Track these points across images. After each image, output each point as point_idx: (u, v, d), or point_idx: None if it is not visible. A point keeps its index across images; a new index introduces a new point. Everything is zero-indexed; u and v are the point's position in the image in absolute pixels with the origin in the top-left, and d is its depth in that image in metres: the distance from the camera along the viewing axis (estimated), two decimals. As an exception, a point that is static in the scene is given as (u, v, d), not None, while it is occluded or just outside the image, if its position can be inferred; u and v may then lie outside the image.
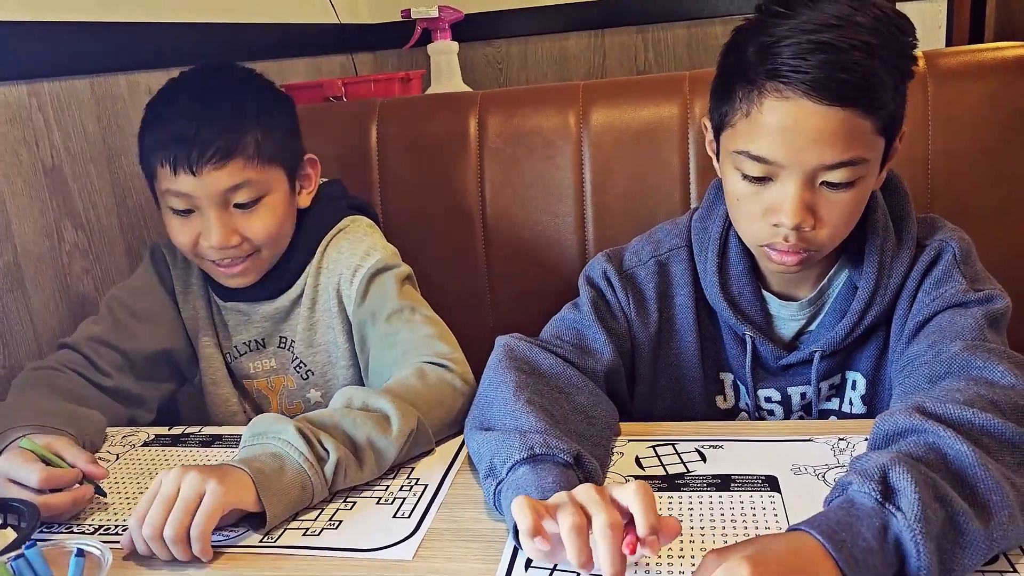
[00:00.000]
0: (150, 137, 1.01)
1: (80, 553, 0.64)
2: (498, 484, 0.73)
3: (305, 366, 1.14)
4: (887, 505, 0.61)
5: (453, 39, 2.00)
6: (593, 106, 1.36)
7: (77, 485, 0.83)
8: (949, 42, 2.20)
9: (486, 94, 1.42)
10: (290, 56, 1.94)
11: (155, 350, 1.12)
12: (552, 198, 1.36)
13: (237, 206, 1.02)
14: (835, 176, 0.80)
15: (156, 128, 1.00)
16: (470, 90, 1.97)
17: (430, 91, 1.91)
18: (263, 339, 1.14)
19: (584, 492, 0.63)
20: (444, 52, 1.92)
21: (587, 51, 2.36)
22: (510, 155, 1.37)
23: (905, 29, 0.81)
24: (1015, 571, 0.64)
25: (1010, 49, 1.26)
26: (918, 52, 1.25)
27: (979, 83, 1.25)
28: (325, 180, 1.18)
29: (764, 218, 0.84)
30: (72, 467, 0.83)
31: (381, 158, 1.41)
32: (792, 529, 0.62)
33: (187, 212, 1.02)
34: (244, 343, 1.15)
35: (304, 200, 1.11)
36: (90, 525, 0.83)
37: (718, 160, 0.91)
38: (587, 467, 0.75)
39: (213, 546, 0.75)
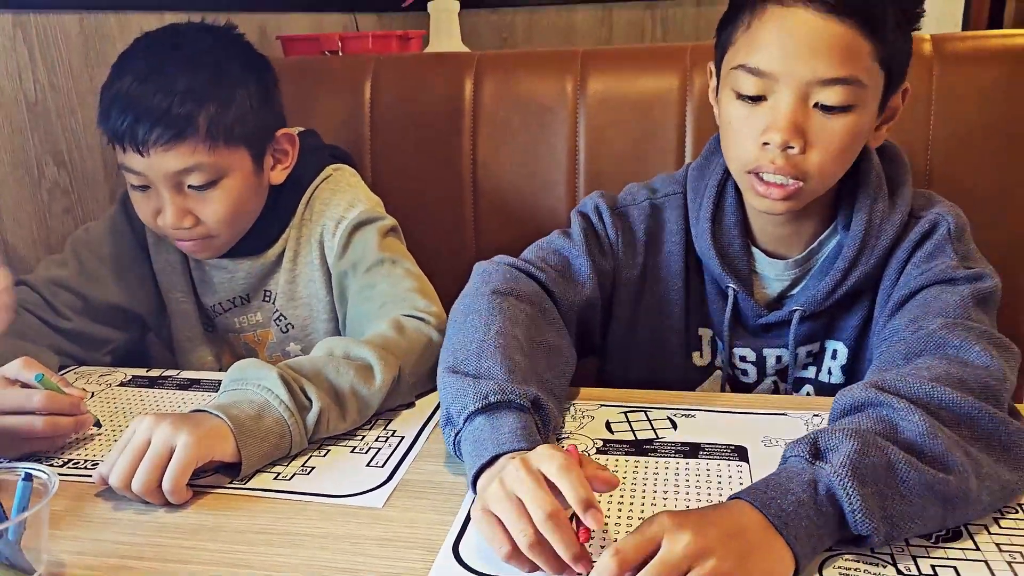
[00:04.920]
0: (103, 104, 0.95)
1: (27, 478, 0.63)
2: (456, 433, 0.73)
3: (285, 319, 1.12)
4: (816, 463, 0.61)
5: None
6: (592, 73, 1.34)
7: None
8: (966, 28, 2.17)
9: (483, 56, 1.40)
10: (291, 9, 1.91)
11: (120, 301, 1.08)
12: (545, 165, 1.34)
13: (191, 187, 0.97)
14: (829, 96, 0.78)
15: (105, 98, 0.95)
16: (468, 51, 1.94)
17: (428, 50, 1.88)
18: (248, 295, 1.12)
19: (515, 480, 0.60)
20: (444, 10, 1.88)
21: (594, 25, 2.33)
22: (505, 119, 1.35)
23: None
24: (978, 549, 0.62)
25: (1018, 36, 1.24)
26: (926, 36, 1.25)
27: (985, 69, 1.22)
28: (301, 129, 1.14)
29: (755, 140, 0.82)
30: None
31: (374, 115, 1.39)
32: (731, 498, 0.62)
33: (144, 188, 0.98)
34: (228, 300, 1.12)
35: (279, 176, 1.06)
36: (59, 459, 0.82)
37: (717, 96, 0.89)
38: (544, 411, 0.74)
39: None
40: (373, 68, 1.40)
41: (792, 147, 0.80)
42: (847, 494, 0.59)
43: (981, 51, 1.24)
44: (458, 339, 0.81)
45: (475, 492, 0.69)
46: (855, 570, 0.60)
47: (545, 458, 0.61)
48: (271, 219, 1.07)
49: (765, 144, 0.81)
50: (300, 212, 1.09)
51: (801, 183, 0.81)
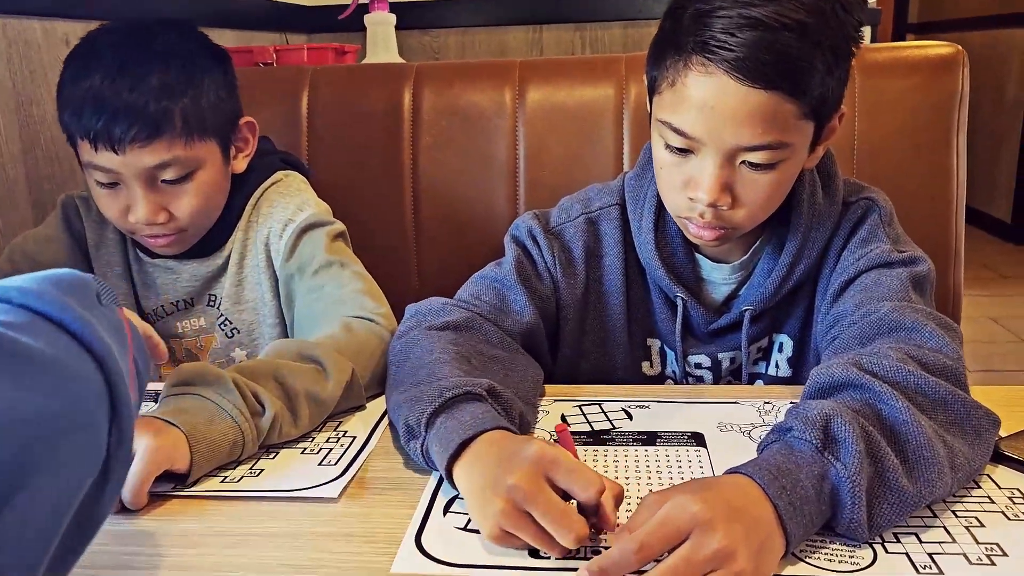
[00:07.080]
0: (67, 105, 0.93)
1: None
2: (422, 443, 0.70)
3: (231, 324, 1.09)
4: (826, 454, 0.60)
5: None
6: (529, 83, 1.35)
7: None
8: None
9: (421, 66, 1.40)
10: (221, 27, 1.88)
11: None
12: (486, 172, 1.35)
13: (165, 182, 0.96)
14: (755, 157, 0.78)
15: (73, 96, 0.92)
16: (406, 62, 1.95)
17: (365, 62, 1.88)
18: (192, 298, 1.09)
19: (524, 497, 0.59)
20: (381, 23, 1.89)
21: (525, 45, 2.36)
22: (444, 128, 1.35)
23: (849, 6, 0.77)
24: (935, 516, 0.64)
25: (933, 48, 1.30)
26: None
27: (904, 78, 1.28)
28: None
29: (683, 190, 0.82)
30: None
31: (311, 126, 1.37)
32: (731, 471, 0.61)
33: (112, 185, 0.96)
34: (172, 303, 1.08)
35: (240, 165, 1.06)
36: None
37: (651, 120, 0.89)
38: (502, 399, 0.73)
39: None
40: (310, 79, 1.39)
41: (720, 205, 0.80)
42: (854, 503, 0.58)
43: (899, 61, 1.30)
44: (402, 371, 0.79)
45: (453, 486, 0.67)
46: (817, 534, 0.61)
47: (548, 461, 0.60)
48: (220, 220, 1.05)
49: (693, 199, 0.81)
50: (247, 214, 1.07)
51: (731, 229, 0.83)
